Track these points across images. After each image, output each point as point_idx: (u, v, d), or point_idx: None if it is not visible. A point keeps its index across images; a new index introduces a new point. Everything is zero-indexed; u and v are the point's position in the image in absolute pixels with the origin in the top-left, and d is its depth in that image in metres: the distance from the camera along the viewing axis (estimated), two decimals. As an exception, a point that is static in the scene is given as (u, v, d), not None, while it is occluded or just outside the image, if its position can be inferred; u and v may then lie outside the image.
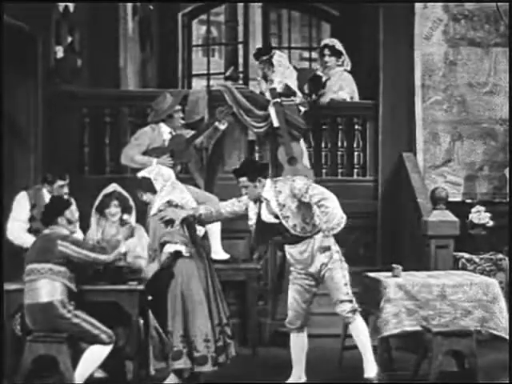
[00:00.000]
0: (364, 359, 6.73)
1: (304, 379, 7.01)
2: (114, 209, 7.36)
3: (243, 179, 6.67)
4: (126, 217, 7.43)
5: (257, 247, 7.02)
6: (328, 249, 6.64)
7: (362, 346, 6.73)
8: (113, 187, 7.42)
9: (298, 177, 6.85)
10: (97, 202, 7.40)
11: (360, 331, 6.72)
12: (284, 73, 9.24)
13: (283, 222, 6.65)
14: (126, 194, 7.44)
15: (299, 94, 9.30)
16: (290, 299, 6.94)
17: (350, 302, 6.69)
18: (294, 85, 9.16)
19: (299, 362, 7.02)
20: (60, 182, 7.51)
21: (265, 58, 9.22)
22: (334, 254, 6.71)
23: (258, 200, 6.73)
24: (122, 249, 7.04)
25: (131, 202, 7.44)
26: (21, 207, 7.51)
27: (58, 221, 6.80)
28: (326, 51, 9.69)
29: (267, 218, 6.72)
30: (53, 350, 6.62)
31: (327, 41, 9.82)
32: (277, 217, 6.67)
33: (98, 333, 6.61)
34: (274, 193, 6.64)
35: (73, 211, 7.01)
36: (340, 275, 6.68)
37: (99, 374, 6.97)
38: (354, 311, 6.70)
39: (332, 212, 6.44)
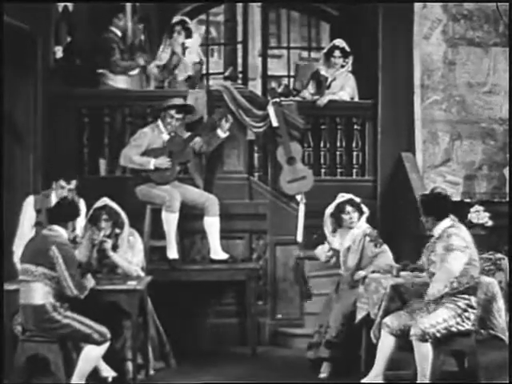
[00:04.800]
0: None
1: None
2: (103, 223, 7.33)
3: (421, 211, 6.86)
4: (118, 231, 7.41)
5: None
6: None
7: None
8: (103, 201, 7.38)
9: (460, 236, 6.70)
10: (88, 216, 7.38)
11: (419, 356, 6.56)
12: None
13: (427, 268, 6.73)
14: (117, 208, 7.38)
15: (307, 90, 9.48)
16: None
17: (433, 327, 6.52)
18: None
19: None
20: (70, 186, 7.52)
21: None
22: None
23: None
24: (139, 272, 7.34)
25: (123, 217, 7.38)
26: (27, 215, 7.52)
27: (63, 224, 6.77)
28: (337, 53, 9.59)
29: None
30: (44, 349, 6.61)
31: (336, 42, 9.72)
32: None
33: (90, 332, 6.54)
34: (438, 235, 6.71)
35: (79, 222, 7.07)
36: (443, 312, 6.58)
37: (107, 374, 6.95)
38: (423, 338, 6.51)
39: (436, 279, 6.51)
